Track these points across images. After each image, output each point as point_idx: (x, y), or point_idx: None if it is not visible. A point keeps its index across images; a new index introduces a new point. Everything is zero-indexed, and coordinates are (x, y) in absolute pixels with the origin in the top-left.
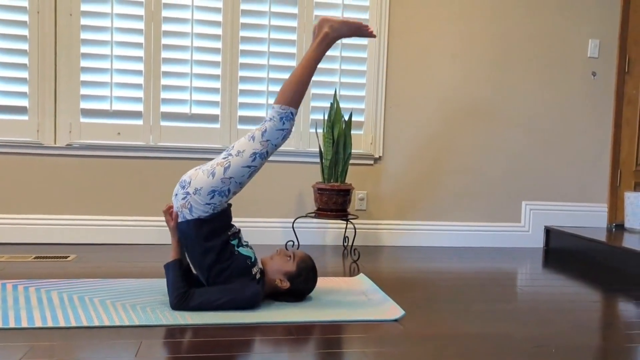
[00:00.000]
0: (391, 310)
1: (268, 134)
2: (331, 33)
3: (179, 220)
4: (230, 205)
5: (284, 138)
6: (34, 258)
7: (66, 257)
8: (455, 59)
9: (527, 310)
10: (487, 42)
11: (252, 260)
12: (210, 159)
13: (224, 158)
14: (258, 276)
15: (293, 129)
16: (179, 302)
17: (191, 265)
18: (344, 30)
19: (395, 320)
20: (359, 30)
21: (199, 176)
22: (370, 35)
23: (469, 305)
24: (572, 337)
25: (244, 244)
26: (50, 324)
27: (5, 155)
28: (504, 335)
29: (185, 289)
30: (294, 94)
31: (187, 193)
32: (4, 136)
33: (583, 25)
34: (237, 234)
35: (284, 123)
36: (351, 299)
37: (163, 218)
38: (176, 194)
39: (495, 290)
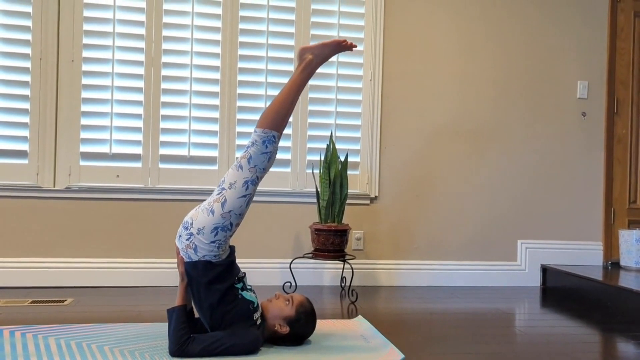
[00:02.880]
0: (390, 354)
1: (254, 160)
2: (314, 59)
3: (185, 260)
4: (234, 248)
5: (270, 160)
6: (31, 302)
7: (63, 301)
8: (448, 101)
9: (526, 353)
10: (480, 84)
11: (255, 305)
12: None
13: (218, 194)
14: (259, 322)
15: (290, 170)
16: (179, 348)
17: (194, 308)
18: (325, 52)
19: None
20: (339, 47)
21: (200, 216)
22: (350, 47)
23: (468, 348)
24: None
25: (248, 288)
26: None
27: (4, 198)
28: None
29: (186, 336)
30: (275, 118)
31: (191, 234)
32: (4, 180)
33: (571, 68)
34: (242, 278)
35: (266, 146)
36: (350, 343)
37: (161, 260)
38: (180, 236)
39: (494, 331)
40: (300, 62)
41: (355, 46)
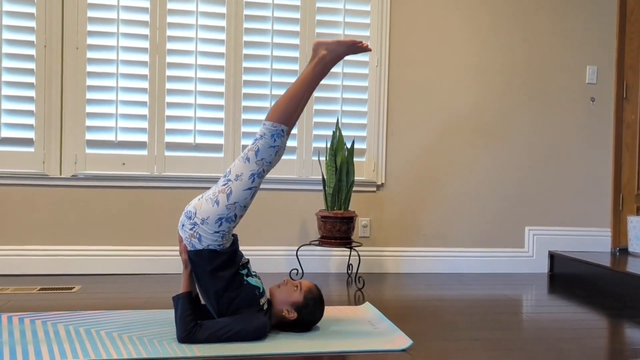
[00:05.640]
0: (398, 339)
1: (261, 153)
2: (328, 55)
3: (189, 249)
4: (237, 237)
5: (277, 154)
6: (39, 290)
7: (71, 289)
8: (456, 87)
9: (534, 338)
10: (487, 70)
11: (261, 291)
12: None
13: (224, 185)
14: (265, 307)
15: (296, 157)
16: (187, 335)
17: (200, 295)
18: (340, 50)
19: (404, 350)
20: (354, 47)
21: (204, 206)
22: (365, 49)
23: (476, 334)
24: None
25: (253, 274)
26: (58, 358)
27: (11, 186)
28: None
29: (193, 323)
30: (285, 111)
31: (195, 223)
32: (11, 168)
33: (580, 52)
34: (246, 264)
35: (274, 140)
36: (358, 329)
37: (168, 247)
38: (183, 225)
39: (501, 317)
40: (313, 56)
41: (370, 49)
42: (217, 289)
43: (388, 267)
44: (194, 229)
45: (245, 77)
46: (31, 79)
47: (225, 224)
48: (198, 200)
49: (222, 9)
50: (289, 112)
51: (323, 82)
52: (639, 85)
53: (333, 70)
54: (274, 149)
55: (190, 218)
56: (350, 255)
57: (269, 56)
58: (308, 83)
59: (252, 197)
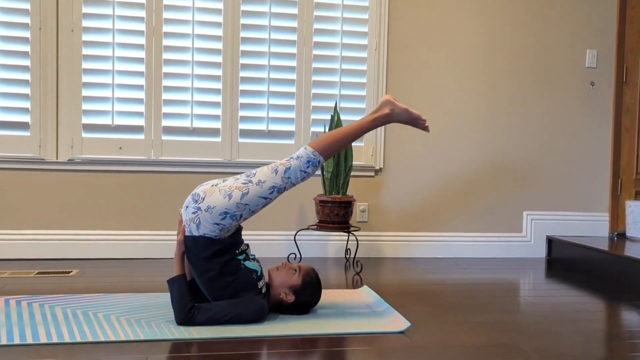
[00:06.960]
0: (396, 321)
1: (290, 172)
2: (391, 115)
3: (186, 233)
4: (241, 228)
5: (303, 179)
6: (37, 273)
7: (68, 272)
8: (455, 70)
9: (531, 321)
10: (485, 54)
11: (259, 274)
12: (212, 173)
13: (243, 183)
14: (264, 290)
15: (294, 142)
16: (185, 317)
17: (196, 280)
18: (403, 117)
19: (401, 332)
20: (416, 121)
21: (215, 194)
22: (425, 129)
23: (473, 316)
24: (577, 348)
25: (251, 257)
26: (55, 339)
27: (7, 170)
28: (511, 346)
29: (191, 305)
30: (329, 146)
31: (199, 208)
32: (6, 152)
33: (580, 36)
34: (244, 250)
35: (308, 166)
36: (356, 311)
37: (165, 232)
38: (187, 207)
39: (499, 300)
40: (378, 109)
41: (429, 131)
42: (212, 275)
43: (386, 251)
44: (196, 214)
45: (242, 61)
46: (26, 62)
47: (228, 219)
48: (210, 186)
49: None
50: (332, 148)
51: (321, 65)
52: (638, 69)
53: (331, 54)
54: (303, 173)
55: (196, 202)
56: (348, 240)
57: (266, 39)
58: (361, 131)
59: (263, 207)
